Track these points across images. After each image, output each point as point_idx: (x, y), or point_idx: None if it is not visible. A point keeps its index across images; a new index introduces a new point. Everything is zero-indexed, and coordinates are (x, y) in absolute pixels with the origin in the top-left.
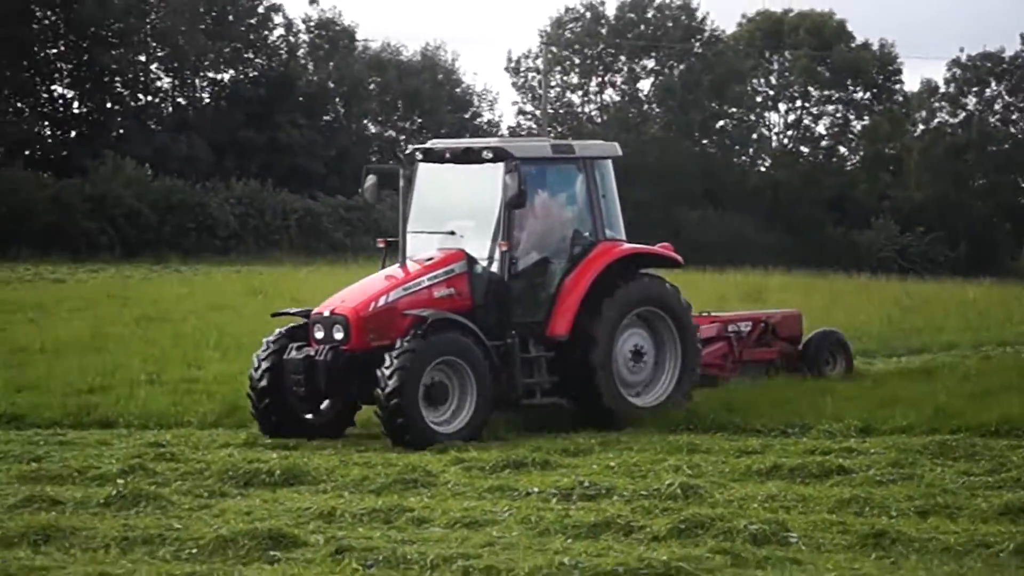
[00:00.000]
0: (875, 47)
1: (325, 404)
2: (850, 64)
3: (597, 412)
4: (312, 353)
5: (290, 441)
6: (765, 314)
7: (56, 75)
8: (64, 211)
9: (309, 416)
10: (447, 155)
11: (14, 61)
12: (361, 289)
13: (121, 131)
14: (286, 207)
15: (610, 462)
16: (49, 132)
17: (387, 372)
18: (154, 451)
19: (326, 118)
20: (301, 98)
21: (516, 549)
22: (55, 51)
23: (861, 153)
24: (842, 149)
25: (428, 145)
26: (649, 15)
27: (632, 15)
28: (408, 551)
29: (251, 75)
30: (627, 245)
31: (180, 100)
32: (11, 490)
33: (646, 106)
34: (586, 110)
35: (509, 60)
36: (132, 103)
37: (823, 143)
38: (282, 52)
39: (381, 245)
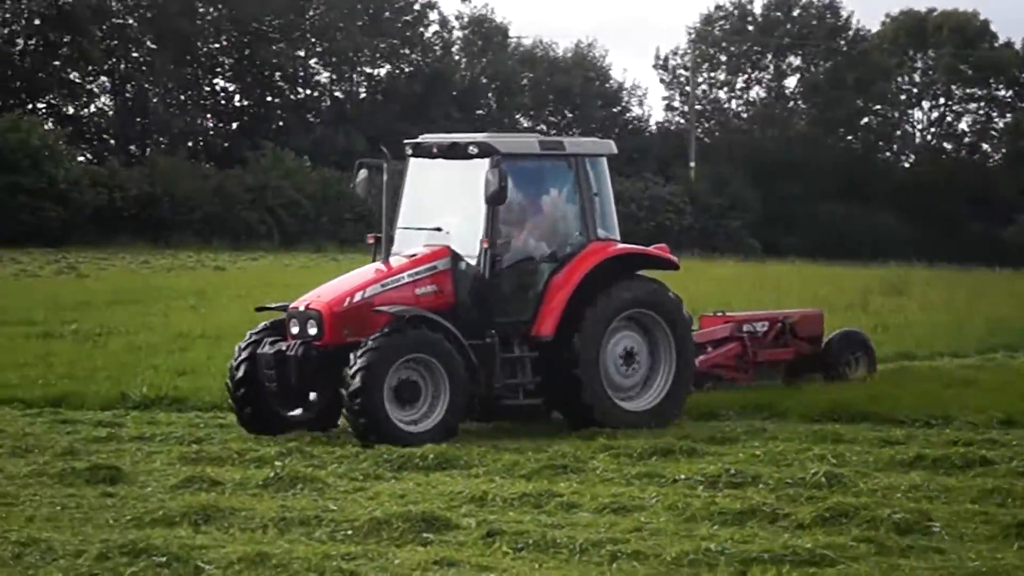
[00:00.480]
0: (1018, 46)
1: (312, 398)
2: (993, 63)
3: (581, 415)
4: (284, 348)
5: None
6: (783, 313)
7: (218, 69)
8: (225, 201)
9: (293, 413)
10: (435, 150)
11: (178, 56)
12: (339, 284)
13: (280, 123)
14: None
15: (756, 451)
16: (211, 124)
17: (352, 368)
18: (311, 434)
19: (479, 112)
20: (455, 93)
21: (663, 535)
22: (217, 46)
23: (1004, 150)
24: (985, 146)
25: (417, 140)
26: (795, 14)
27: (778, 14)
28: (557, 535)
29: (407, 70)
30: (619, 245)
31: (338, 94)
32: (172, 471)
33: (791, 103)
34: (733, 106)
35: (657, 57)
36: (291, 96)
37: (966, 140)
38: (436, 48)
39: (371, 241)
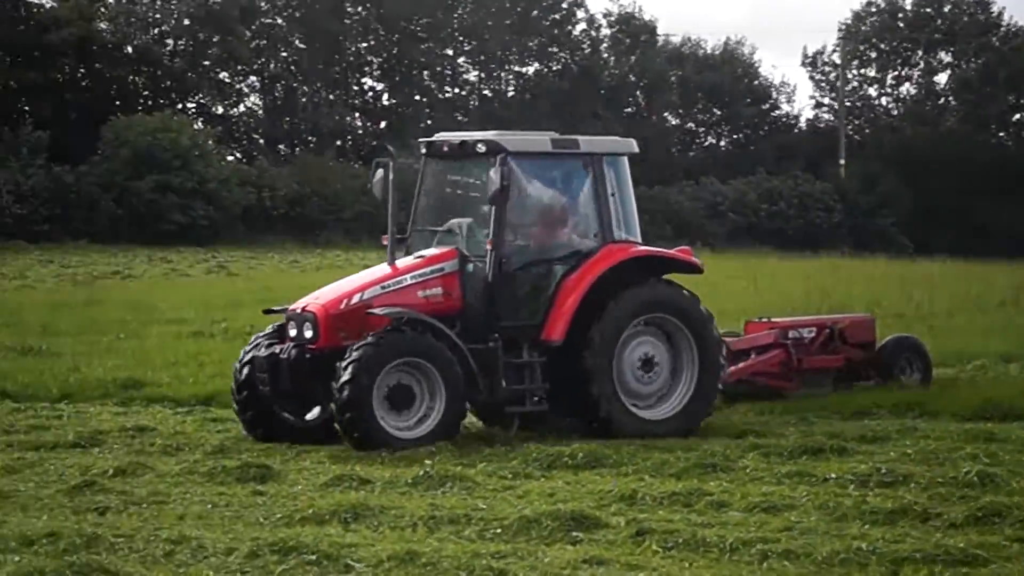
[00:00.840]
0: None
1: (313, 414)
2: None
3: (592, 422)
4: (277, 351)
5: None
6: (832, 319)
7: (366, 68)
8: (374, 200)
9: (294, 418)
10: (445, 149)
11: (327, 55)
12: (339, 286)
13: (429, 122)
14: None
15: (907, 449)
16: (359, 123)
17: (344, 363)
18: (462, 433)
19: (628, 110)
20: (603, 91)
21: (814, 534)
22: (366, 45)
23: None
24: None
25: (431, 139)
26: (946, 9)
27: (929, 9)
28: (707, 534)
29: (555, 68)
30: (638, 248)
31: (486, 92)
32: (322, 469)
33: (942, 99)
34: (883, 103)
35: (805, 55)
36: (440, 95)
37: None
38: (585, 46)
39: (385, 243)
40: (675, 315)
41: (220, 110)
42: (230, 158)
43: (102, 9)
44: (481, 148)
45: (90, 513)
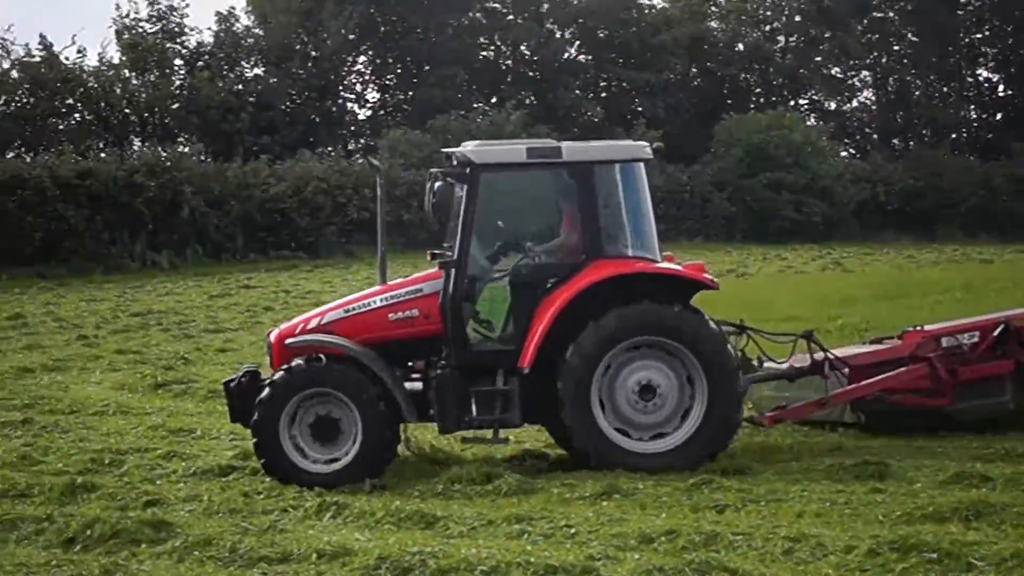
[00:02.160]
0: None
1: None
2: None
3: (573, 454)
4: (230, 379)
5: None
6: (1003, 316)
7: (981, 59)
8: (990, 193)
9: None
10: (444, 162)
11: (940, 47)
12: (318, 308)
13: None
14: None
15: None
16: (975, 116)
17: (256, 403)
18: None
19: None
20: None
21: None
22: (980, 36)
23: None
24: None
25: (451, 151)
26: None
27: None
28: None
29: None
30: (631, 263)
31: None
32: (942, 466)
33: None
34: None
35: None
36: None
37: None
38: None
39: (429, 259)
40: (672, 337)
41: (833, 106)
42: (843, 154)
43: (713, 8)
44: (455, 161)
45: (708, 511)
